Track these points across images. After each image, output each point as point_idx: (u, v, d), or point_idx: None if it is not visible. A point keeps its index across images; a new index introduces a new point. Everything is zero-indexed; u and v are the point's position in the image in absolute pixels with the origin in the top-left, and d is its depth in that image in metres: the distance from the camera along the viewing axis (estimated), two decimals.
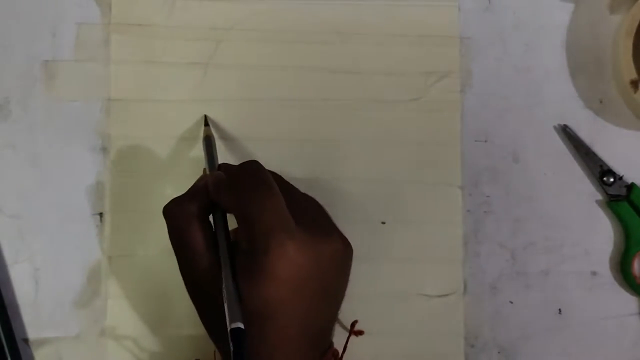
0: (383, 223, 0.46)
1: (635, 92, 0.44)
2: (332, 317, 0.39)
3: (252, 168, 0.38)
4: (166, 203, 0.38)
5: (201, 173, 0.42)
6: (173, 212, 0.38)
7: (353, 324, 0.43)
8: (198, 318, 0.45)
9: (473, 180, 0.46)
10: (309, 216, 0.38)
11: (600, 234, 0.46)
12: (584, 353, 0.46)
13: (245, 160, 0.39)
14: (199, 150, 0.46)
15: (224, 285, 0.35)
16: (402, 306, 0.45)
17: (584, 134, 0.46)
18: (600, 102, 0.47)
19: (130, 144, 0.46)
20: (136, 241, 0.46)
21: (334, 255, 0.37)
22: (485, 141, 0.47)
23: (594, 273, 0.46)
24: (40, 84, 0.46)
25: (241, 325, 0.32)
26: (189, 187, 0.39)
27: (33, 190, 0.46)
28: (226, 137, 0.46)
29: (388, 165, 0.46)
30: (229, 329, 0.32)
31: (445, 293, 0.46)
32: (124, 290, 0.45)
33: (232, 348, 0.32)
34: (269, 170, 0.39)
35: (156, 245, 0.45)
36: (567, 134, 0.46)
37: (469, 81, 0.47)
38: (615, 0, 0.47)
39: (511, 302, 0.46)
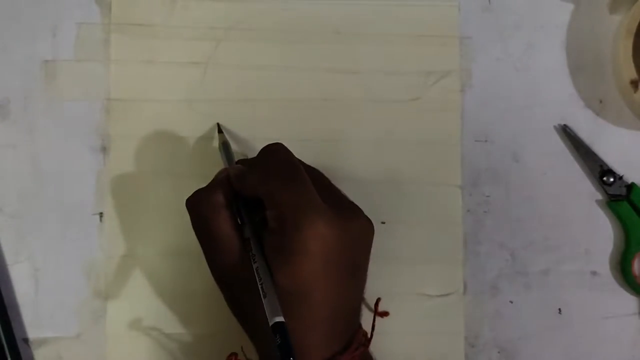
0: (383, 223, 0.46)
1: (635, 92, 0.44)
2: (360, 296, 0.40)
3: (276, 149, 0.38)
4: (188, 196, 0.38)
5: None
6: (198, 203, 0.38)
7: (377, 302, 0.44)
8: (198, 318, 0.45)
9: (473, 180, 0.46)
10: (335, 195, 0.39)
11: (600, 234, 0.46)
12: (584, 353, 0.46)
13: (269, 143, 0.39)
14: (199, 151, 0.46)
15: (255, 268, 0.35)
16: (402, 306, 0.45)
17: (584, 134, 0.46)
18: (600, 102, 0.47)
19: (130, 144, 0.46)
20: (136, 241, 0.46)
21: (360, 231, 0.37)
22: (485, 141, 0.47)
23: (594, 273, 0.46)
24: (40, 84, 0.46)
25: (282, 319, 0.33)
26: (193, 189, 0.39)
27: (33, 190, 0.46)
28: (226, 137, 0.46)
29: (388, 165, 0.46)
30: (270, 324, 0.33)
31: (445, 293, 0.46)
32: (124, 290, 0.45)
33: (278, 342, 0.32)
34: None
35: (156, 245, 0.45)
36: (567, 134, 0.46)
37: (469, 81, 0.47)
38: (615, 0, 0.47)
39: (511, 302, 0.46)
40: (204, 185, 0.39)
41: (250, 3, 0.47)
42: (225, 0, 0.47)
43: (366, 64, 0.47)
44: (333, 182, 0.45)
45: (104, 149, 0.46)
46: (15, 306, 0.45)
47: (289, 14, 0.47)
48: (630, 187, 0.46)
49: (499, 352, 0.46)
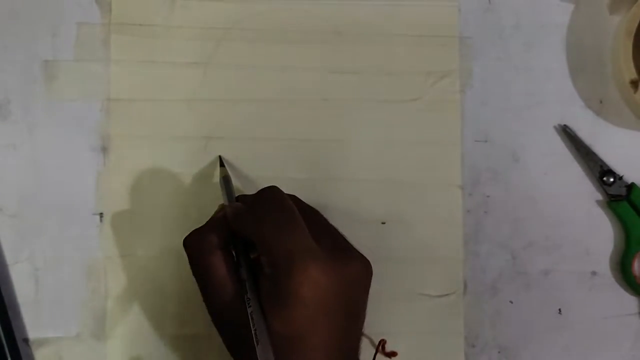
0: (383, 223, 0.46)
1: (635, 92, 0.44)
2: (357, 336, 0.39)
3: (271, 193, 0.38)
4: (186, 235, 0.38)
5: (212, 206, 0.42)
6: (194, 243, 0.38)
7: (382, 344, 0.44)
8: (198, 318, 0.45)
9: (473, 180, 0.46)
10: (329, 237, 0.39)
11: (600, 234, 0.46)
12: (584, 353, 0.46)
13: (263, 187, 0.39)
14: (199, 151, 0.46)
15: (249, 312, 0.35)
16: (402, 306, 0.45)
17: (584, 134, 0.46)
18: (600, 102, 0.47)
19: (130, 144, 0.46)
20: (136, 241, 0.46)
21: (355, 275, 0.37)
22: (485, 141, 0.47)
23: (594, 273, 0.46)
24: (40, 84, 0.46)
25: None
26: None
27: (33, 190, 0.46)
28: (226, 138, 0.46)
29: (388, 165, 0.46)
30: None
31: (445, 293, 0.46)
32: (124, 290, 0.45)
33: None
34: (287, 194, 0.39)
35: (156, 245, 0.45)
36: (567, 134, 0.46)
37: (469, 81, 0.47)
38: (615, 0, 0.47)
39: (511, 302, 0.46)
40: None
41: (250, 3, 0.47)
42: (225, 0, 0.47)
43: (366, 64, 0.47)
44: (333, 182, 0.45)
45: (104, 149, 0.46)
46: (15, 306, 0.45)
47: (289, 14, 0.47)
48: (630, 187, 0.46)
49: (499, 352, 0.46)
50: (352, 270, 0.37)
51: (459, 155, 0.46)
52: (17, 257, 0.45)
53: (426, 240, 0.46)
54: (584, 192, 0.46)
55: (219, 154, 0.46)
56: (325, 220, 0.41)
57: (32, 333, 0.45)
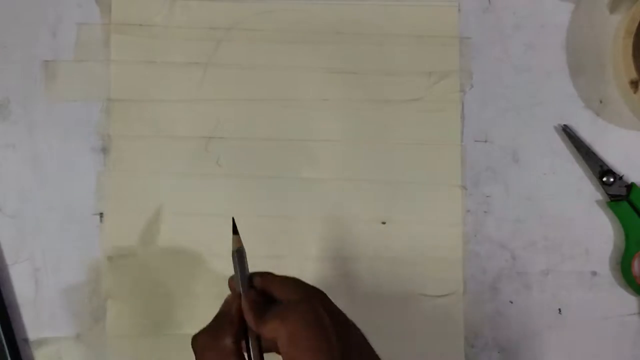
0: (383, 223, 0.46)
1: (635, 92, 0.44)
2: None
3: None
4: (194, 334, 0.34)
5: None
6: (205, 346, 0.34)
7: None
8: (198, 318, 0.45)
9: (473, 180, 0.46)
10: (358, 353, 0.34)
11: (600, 234, 0.46)
12: (584, 353, 0.46)
13: (288, 276, 0.35)
14: (199, 151, 0.46)
15: None
16: (402, 306, 0.45)
17: (584, 134, 0.46)
18: (600, 102, 0.47)
19: (130, 144, 0.46)
20: (136, 241, 0.46)
21: None
22: (485, 141, 0.47)
23: (594, 273, 0.46)
24: (40, 84, 0.46)
25: None
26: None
27: (33, 190, 0.46)
28: (226, 138, 0.46)
29: (388, 165, 0.46)
30: None
31: (445, 293, 0.46)
32: (124, 290, 0.45)
33: None
34: (322, 295, 0.35)
35: (156, 245, 0.45)
36: (567, 134, 0.46)
37: (469, 81, 0.47)
38: (615, 0, 0.47)
39: (511, 302, 0.46)
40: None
41: (250, 3, 0.47)
42: (225, 0, 0.47)
43: (366, 64, 0.47)
44: (333, 182, 0.45)
45: (104, 149, 0.46)
46: (15, 306, 0.45)
47: (289, 14, 0.47)
48: (630, 187, 0.46)
49: (499, 352, 0.46)
50: None
51: (459, 155, 0.46)
52: (17, 257, 0.45)
53: (426, 240, 0.46)
54: (584, 192, 0.46)
55: (220, 157, 0.46)
56: (355, 330, 0.36)
57: (32, 333, 0.45)
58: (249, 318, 0.34)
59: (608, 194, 0.46)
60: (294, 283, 0.35)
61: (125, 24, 0.46)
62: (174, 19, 0.47)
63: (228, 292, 0.36)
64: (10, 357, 0.44)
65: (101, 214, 0.46)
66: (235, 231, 0.36)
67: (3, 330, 0.44)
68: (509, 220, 0.46)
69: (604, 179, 0.46)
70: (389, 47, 0.47)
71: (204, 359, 0.34)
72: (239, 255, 0.35)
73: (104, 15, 0.46)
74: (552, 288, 0.46)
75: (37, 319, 0.45)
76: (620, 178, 0.46)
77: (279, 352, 0.32)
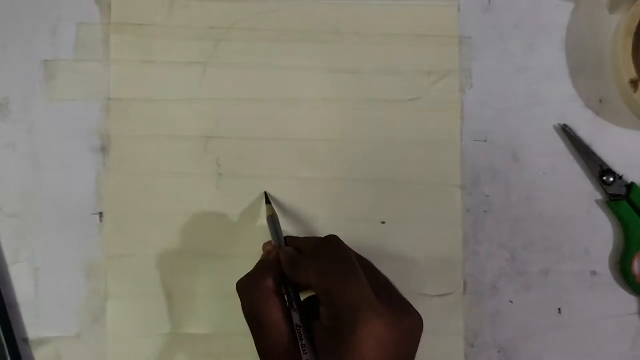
0: (383, 223, 0.46)
1: (635, 92, 0.44)
2: None
3: (333, 244, 0.38)
4: (239, 279, 0.38)
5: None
6: (249, 288, 0.38)
7: None
8: (198, 318, 0.45)
9: (473, 180, 0.46)
10: (385, 290, 0.38)
11: (600, 233, 0.46)
12: (584, 353, 0.46)
13: (326, 235, 0.39)
14: (199, 151, 0.46)
15: None
16: None
17: (584, 134, 0.46)
18: (600, 102, 0.47)
19: (130, 144, 0.46)
20: (136, 241, 0.46)
21: (411, 330, 0.37)
22: (485, 141, 0.47)
23: (594, 273, 0.46)
24: (40, 84, 0.46)
25: None
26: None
27: (33, 190, 0.46)
28: (226, 138, 0.46)
29: (388, 165, 0.46)
30: None
31: (445, 293, 0.46)
32: (124, 290, 0.45)
33: None
34: (329, 235, 0.39)
35: (156, 245, 0.45)
36: (567, 134, 0.46)
37: (469, 81, 0.47)
38: (615, 0, 0.47)
39: (511, 302, 0.46)
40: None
41: (250, 3, 0.47)
42: (225, 0, 0.47)
43: (366, 64, 0.47)
44: (333, 182, 0.45)
45: (104, 149, 0.46)
46: (15, 306, 0.45)
47: (289, 13, 0.47)
48: (630, 187, 0.46)
49: (499, 352, 0.46)
50: (409, 326, 0.36)
51: (459, 155, 0.46)
52: (17, 257, 0.45)
53: (426, 240, 0.46)
54: (584, 192, 0.46)
55: (220, 157, 0.46)
56: (379, 272, 0.41)
57: (32, 333, 0.45)
58: (286, 267, 0.38)
59: (608, 194, 0.46)
60: (315, 238, 0.42)
61: (125, 24, 0.47)
62: (173, 19, 0.47)
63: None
64: (10, 357, 0.44)
65: (101, 214, 0.46)
66: (267, 201, 0.45)
67: (3, 330, 0.44)
68: (509, 220, 0.46)
69: (604, 178, 0.46)
70: (389, 46, 0.47)
71: (248, 299, 0.38)
72: (272, 220, 0.43)
73: (104, 15, 0.46)
74: (552, 288, 0.46)
75: (37, 319, 0.45)
76: (620, 178, 0.46)
77: (322, 300, 0.36)
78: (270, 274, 0.38)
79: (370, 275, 0.37)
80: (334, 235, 0.39)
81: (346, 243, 0.39)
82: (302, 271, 0.38)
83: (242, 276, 0.39)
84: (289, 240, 0.42)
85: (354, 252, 0.40)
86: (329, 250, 0.38)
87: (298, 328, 0.37)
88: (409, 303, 0.38)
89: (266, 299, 0.37)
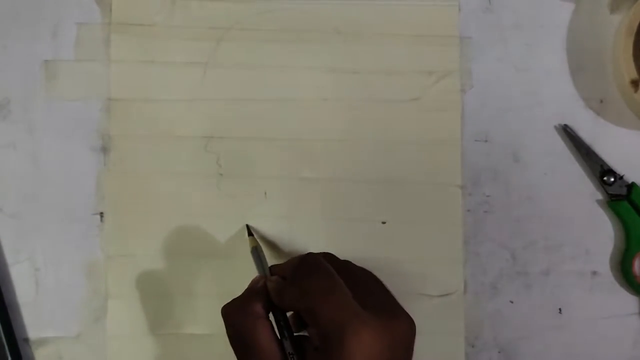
0: (383, 223, 0.46)
1: (635, 91, 0.44)
2: None
3: (309, 260, 0.38)
4: (224, 304, 0.38)
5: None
6: (235, 312, 0.38)
7: None
8: (198, 318, 0.45)
9: (473, 180, 0.46)
10: (373, 295, 0.38)
11: (601, 233, 0.46)
12: (584, 353, 0.46)
13: (302, 254, 0.39)
14: (199, 151, 0.46)
15: None
16: (403, 306, 0.45)
17: (584, 134, 0.46)
18: (601, 102, 0.47)
19: (130, 144, 0.46)
20: (136, 241, 0.46)
21: (403, 335, 0.36)
22: (485, 141, 0.47)
23: (594, 273, 0.46)
24: (40, 84, 0.46)
25: None
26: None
27: (33, 190, 0.46)
28: (226, 138, 0.46)
29: (388, 165, 0.46)
30: None
31: (445, 293, 0.46)
32: (124, 290, 0.45)
33: None
34: (322, 253, 0.39)
35: (156, 245, 0.45)
36: (567, 134, 0.46)
37: (469, 81, 0.47)
38: (615, 0, 0.47)
39: (511, 302, 0.46)
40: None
41: (250, 3, 0.47)
42: (225, 0, 0.47)
43: (366, 64, 0.47)
44: (333, 182, 0.45)
45: (104, 149, 0.46)
46: (16, 306, 0.45)
47: (289, 14, 0.47)
48: (631, 186, 0.46)
49: (499, 352, 0.46)
50: (399, 331, 0.36)
51: (459, 155, 0.46)
52: (17, 257, 0.45)
53: (426, 240, 0.46)
54: (584, 192, 0.46)
55: (220, 157, 0.46)
56: (367, 277, 0.41)
57: (32, 333, 0.45)
58: (274, 296, 0.38)
59: (608, 194, 0.46)
60: (295, 258, 0.41)
61: (125, 24, 0.47)
62: (173, 19, 0.47)
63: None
64: (11, 357, 0.44)
65: (101, 214, 0.46)
66: (250, 234, 0.44)
67: (3, 330, 0.44)
68: (509, 220, 0.46)
69: (605, 178, 0.46)
70: (389, 47, 0.47)
71: (236, 323, 0.37)
72: (256, 251, 0.43)
73: (104, 15, 0.46)
74: (552, 288, 0.46)
75: (37, 319, 0.45)
76: (621, 178, 0.46)
77: (308, 321, 0.36)
78: (259, 300, 0.38)
79: (354, 283, 0.37)
80: (311, 253, 0.39)
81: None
82: (287, 297, 0.37)
83: (227, 302, 0.38)
84: (274, 268, 0.41)
85: (333, 256, 0.40)
86: (306, 270, 0.38)
87: (291, 356, 0.36)
88: (399, 306, 0.38)
89: (254, 324, 0.37)
